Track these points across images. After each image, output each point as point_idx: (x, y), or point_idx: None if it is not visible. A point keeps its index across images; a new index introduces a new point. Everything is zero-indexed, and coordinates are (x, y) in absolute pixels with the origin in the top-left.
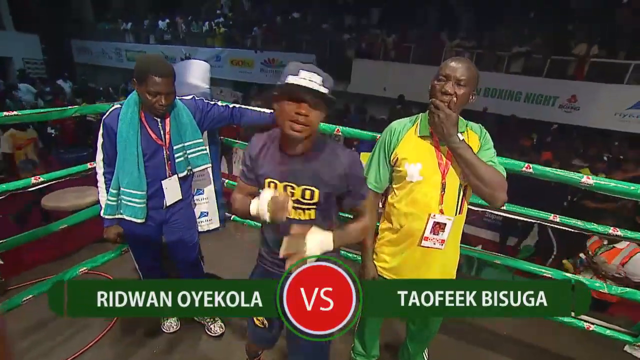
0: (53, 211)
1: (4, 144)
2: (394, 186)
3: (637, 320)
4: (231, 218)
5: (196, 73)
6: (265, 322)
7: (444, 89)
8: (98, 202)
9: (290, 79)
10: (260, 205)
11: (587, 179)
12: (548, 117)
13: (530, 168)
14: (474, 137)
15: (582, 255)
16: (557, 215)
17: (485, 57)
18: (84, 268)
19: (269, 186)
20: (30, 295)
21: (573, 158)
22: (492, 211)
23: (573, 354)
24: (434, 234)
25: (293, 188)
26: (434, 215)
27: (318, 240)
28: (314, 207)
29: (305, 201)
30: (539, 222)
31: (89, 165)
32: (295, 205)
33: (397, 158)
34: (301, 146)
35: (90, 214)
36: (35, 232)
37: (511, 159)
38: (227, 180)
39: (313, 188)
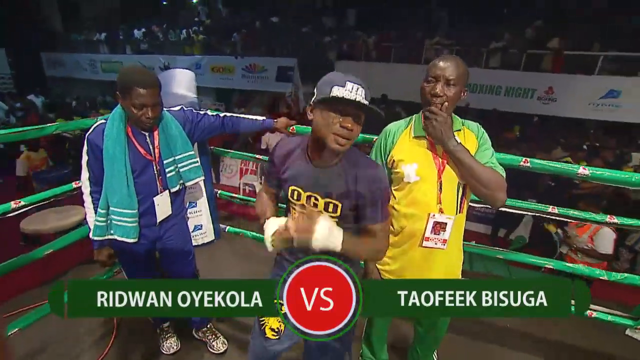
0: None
1: (20, 168)
2: (392, 188)
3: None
4: (226, 229)
5: (182, 82)
6: (281, 328)
7: (434, 91)
8: (84, 222)
9: (337, 91)
10: (265, 234)
11: (584, 170)
12: (527, 109)
13: (528, 162)
14: (470, 136)
15: (559, 230)
16: (556, 207)
17: (464, 53)
18: None
19: (292, 196)
20: (16, 329)
21: (555, 148)
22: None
23: (576, 342)
24: (435, 233)
25: (317, 199)
26: (434, 215)
27: (327, 228)
28: (337, 220)
29: (329, 214)
30: (538, 214)
31: (74, 185)
32: None
33: (394, 160)
34: (334, 158)
35: (77, 236)
36: (17, 260)
37: (507, 154)
38: (220, 191)
39: (337, 202)
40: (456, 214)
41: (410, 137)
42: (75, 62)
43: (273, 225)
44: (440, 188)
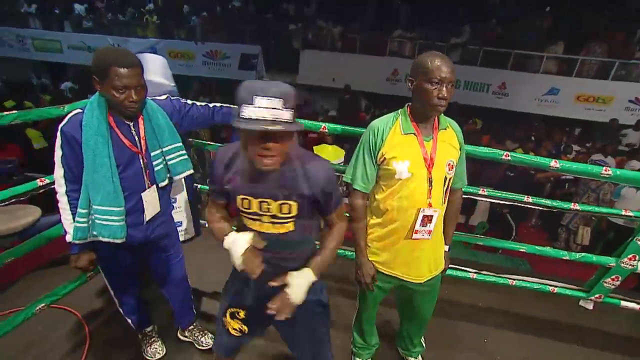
0: None
1: None
2: (381, 183)
3: (583, 279)
4: (206, 225)
5: (156, 69)
6: (245, 327)
7: (442, 94)
8: (38, 223)
9: (245, 112)
10: (233, 253)
11: (555, 163)
12: (484, 103)
13: (508, 157)
14: (452, 135)
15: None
16: (530, 197)
17: (427, 47)
18: (42, 305)
19: (242, 205)
20: None
21: (506, 140)
22: (474, 197)
23: (538, 313)
24: (422, 226)
25: (269, 204)
26: (424, 210)
27: (301, 287)
28: (292, 219)
29: (283, 215)
30: (513, 203)
31: (39, 182)
32: (273, 220)
33: (385, 157)
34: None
35: (43, 239)
36: None
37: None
38: (199, 186)
39: (290, 202)
40: (441, 206)
41: (399, 133)
42: None
43: (240, 242)
44: (431, 183)
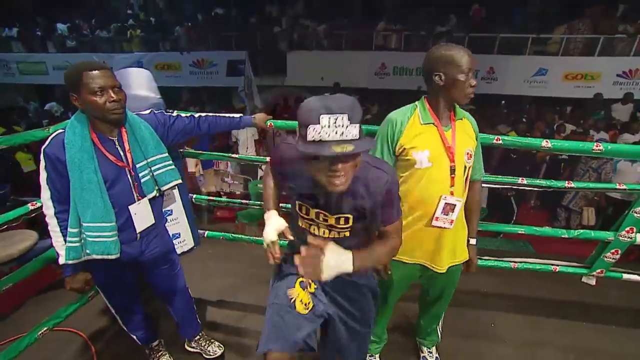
0: None
1: None
2: (400, 174)
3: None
4: (205, 234)
5: (141, 83)
6: (311, 304)
7: (474, 82)
8: (34, 247)
9: (312, 134)
10: (265, 232)
11: (546, 143)
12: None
13: (500, 140)
14: (468, 126)
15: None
16: (524, 179)
17: (412, 38)
18: (45, 329)
19: (299, 209)
20: None
21: (499, 124)
22: None
23: (543, 294)
24: (444, 214)
25: (327, 216)
26: (445, 197)
27: (334, 262)
28: (349, 229)
29: (340, 226)
30: (509, 186)
31: (30, 207)
32: (329, 228)
33: (404, 148)
34: None
35: (41, 262)
36: None
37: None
38: (195, 196)
39: (348, 215)
40: (462, 195)
41: (418, 123)
42: None
43: (271, 232)
44: (453, 172)
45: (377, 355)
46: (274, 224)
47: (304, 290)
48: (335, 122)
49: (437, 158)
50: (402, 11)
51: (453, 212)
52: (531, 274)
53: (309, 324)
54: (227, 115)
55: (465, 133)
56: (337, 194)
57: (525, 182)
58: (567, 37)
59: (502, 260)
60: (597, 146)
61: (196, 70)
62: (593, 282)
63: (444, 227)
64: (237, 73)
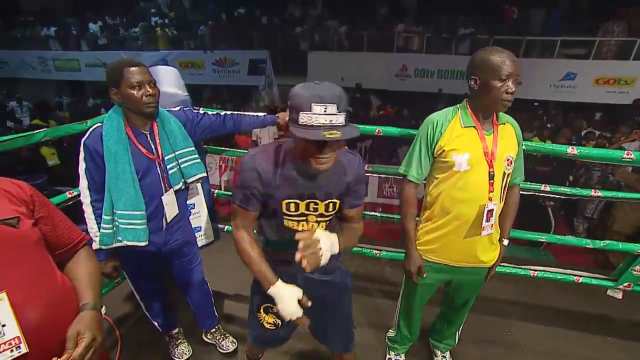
0: None
1: None
2: (436, 175)
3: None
4: (224, 229)
5: (169, 80)
6: (278, 321)
7: (511, 90)
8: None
9: (304, 119)
10: (285, 308)
11: (572, 150)
12: None
13: (524, 146)
14: (510, 131)
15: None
16: (547, 185)
17: (434, 40)
18: None
19: (287, 209)
20: None
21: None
22: None
23: (564, 305)
24: (487, 221)
25: (317, 204)
26: (487, 205)
27: (329, 245)
28: (332, 216)
29: (329, 213)
30: (532, 193)
31: (68, 195)
32: (319, 219)
33: (444, 150)
34: None
35: None
36: None
37: None
38: (216, 191)
39: (335, 200)
40: (500, 201)
41: (459, 126)
42: (20, 60)
43: (294, 306)
44: (492, 177)
45: (403, 355)
46: (291, 296)
47: (267, 314)
48: (325, 111)
49: (476, 162)
50: (424, 12)
51: (492, 217)
52: (551, 284)
53: (281, 332)
54: (252, 114)
55: (507, 139)
56: (322, 181)
57: (548, 188)
58: (599, 39)
59: (521, 268)
60: (627, 154)
61: (218, 69)
62: (619, 295)
63: (489, 234)
64: (258, 72)
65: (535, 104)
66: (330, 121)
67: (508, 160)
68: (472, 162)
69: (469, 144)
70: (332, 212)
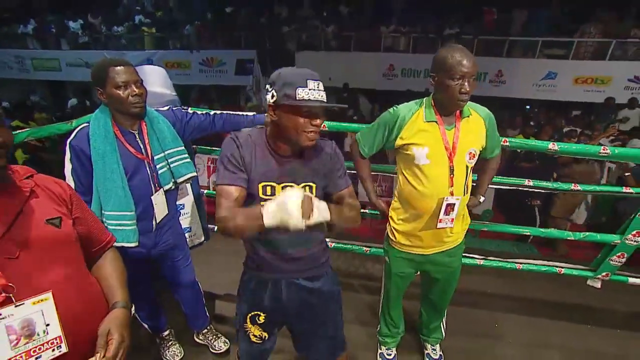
0: None
1: None
2: (402, 169)
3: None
4: (214, 229)
5: (156, 80)
6: (265, 334)
7: (464, 89)
8: None
9: (302, 93)
10: (287, 210)
11: (553, 146)
12: (482, 92)
13: (507, 142)
14: (477, 123)
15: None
16: (531, 180)
17: (420, 40)
18: None
19: (264, 192)
20: None
21: (508, 127)
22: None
23: (547, 296)
24: (446, 214)
25: (293, 187)
26: (447, 198)
27: (317, 202)
28: None
29: None
30: (515, 187)
31: None
32: None
33: (404, 142)
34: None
35: None
36: None
37: None
38: (205, 191)
39: (312, 183)
40: (463, 195)
41: (421, 120)
42: None
43: (293, 199)
44: (452, 172)
45: (394, 349)
46: (292, 193)
47: (253, 325)
48: (317, 87)
49: (436, 156)
50: (410, 13)
51: (453, 211)
52: (536, 276)
53: (268, 345)
54: (241, 113)
55: (472, 132)
56: (298, 164)
57: (531, 183)
58: (577, 40)
59: (507, 261)
60: (604, 149)
61: (205, 69)
62: (598, 285)
63: (447, 227)
64: (245, 72)
65: (527, 106)
66: (321, 96)
67: (470, 153)
68: (431, 156)
69: (429, 138)
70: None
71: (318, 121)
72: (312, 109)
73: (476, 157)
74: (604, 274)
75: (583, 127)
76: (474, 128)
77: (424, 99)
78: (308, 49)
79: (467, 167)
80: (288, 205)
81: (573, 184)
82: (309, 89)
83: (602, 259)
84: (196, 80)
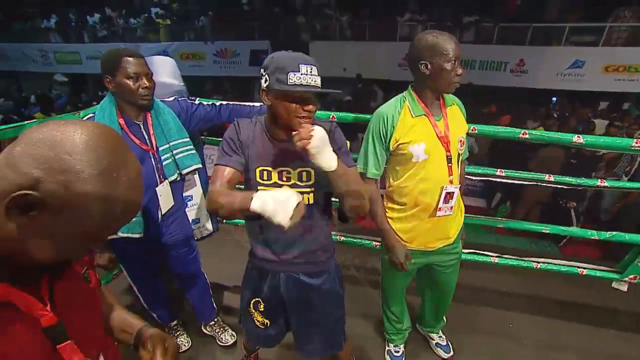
0: None
1: None
2: (397, 168)
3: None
4: (223, 221)
5: (164, 70)
6: (267, 321)
7: (459, 70)
8: None
9: (294, 78)
10: (282, 210)
11: (578, 138)
12: (501, 82)
13: (526, 134)
14: (458, 112)
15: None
16: (552, 175)
17: (438, 29)
18: None
19: (261, 177)
20: None
21: (528, 118)
22: (492, 178)
23: (567, 297)
24: (445, 203)
25: (289, 172)
26: (446, 187)
27: (322, 133)
28: (311, 188)
29: (303, 183)
30: (536, 183)
31: None
32: (294, 189)
33: (398, 143)
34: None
35: None
36: None
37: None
38: None
39: (309, 168)
40: (459, 182)
41: (410, 117)
42: (21, 53)
43: (291, 201)
44: (450, 161)
45: (402, 345)
46: (291, 194)
47: (256, 311)
48: (310, 71)
49: (433, 150)
50: (427, 1)
51: (452, 199)
52: (555, 276)
53: (271, 332)
54: (248, 104)
55: (456, 119)
56: (294, 147)
57: (552, 179)
58: (609, 25)
59: (523, 260)
60: (636, 142)
61: (219, 60)
62: (625, 288)
63: (446, 215)
64: (259, 63)
65: (554, 98)
66: (314, 81)
67: (460, 141)
68: (429, 151)
69: (423, 133)
70: (307, 183)
71: (310, 107)
72: (304, 94)
73: (465, 146)
74: (631, 276)
75: (609, 118)
76: (457, 116)
77: (403, 94)
78: (322, 39)
79: (459, 154)
80: (288, 205)
81: (599, 180)
82: (301, 74)
83: (630, 261)
84: (210, 72)
